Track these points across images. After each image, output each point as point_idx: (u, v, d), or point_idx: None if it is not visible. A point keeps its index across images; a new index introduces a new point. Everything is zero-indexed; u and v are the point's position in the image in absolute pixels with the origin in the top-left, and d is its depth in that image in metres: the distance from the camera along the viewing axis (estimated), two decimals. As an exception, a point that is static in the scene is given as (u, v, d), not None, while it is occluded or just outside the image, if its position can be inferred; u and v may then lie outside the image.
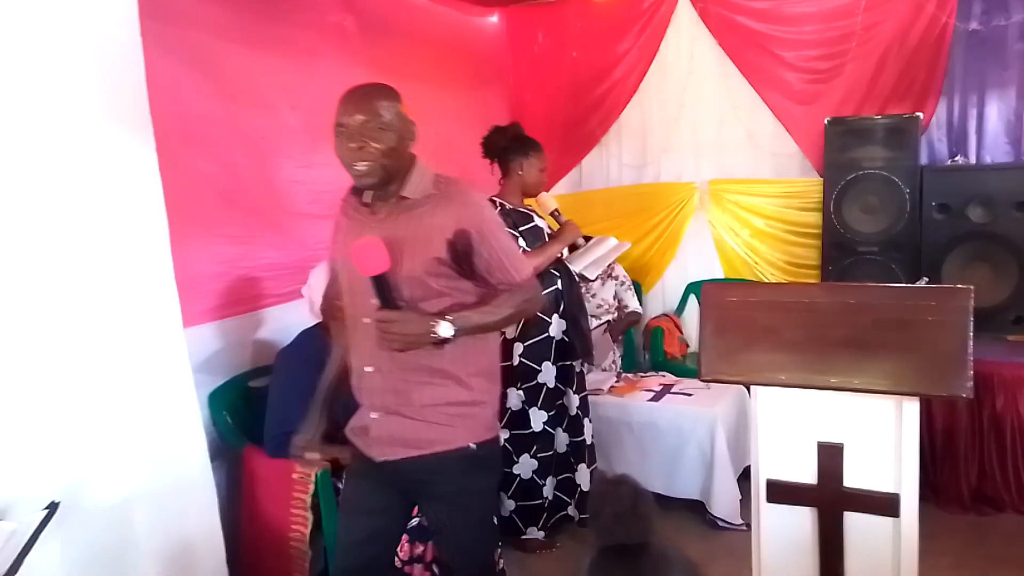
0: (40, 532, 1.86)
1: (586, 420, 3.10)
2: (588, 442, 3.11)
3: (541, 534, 3.07)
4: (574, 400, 3.06)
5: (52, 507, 1.91)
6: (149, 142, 2.04)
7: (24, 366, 1.90)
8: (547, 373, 2.97)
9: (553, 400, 3.01)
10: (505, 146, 3.00)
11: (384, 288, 1.69)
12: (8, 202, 1.82)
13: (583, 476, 3.09)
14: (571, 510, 3.14)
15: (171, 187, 2.12)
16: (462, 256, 1.78)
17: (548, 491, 3.06)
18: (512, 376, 2.92)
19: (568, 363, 3.03)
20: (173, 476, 2.08)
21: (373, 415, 1.84)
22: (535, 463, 3.00)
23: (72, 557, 2.02)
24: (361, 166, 1.72)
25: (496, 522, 2.20)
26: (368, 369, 1.83)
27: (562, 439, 3.07)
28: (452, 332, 1.71)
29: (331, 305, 1.98)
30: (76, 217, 1.89)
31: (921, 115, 3.50)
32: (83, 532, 1.99)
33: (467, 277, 1.82)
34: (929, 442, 3.15)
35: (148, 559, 2.03)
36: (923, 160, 3.62)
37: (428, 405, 1.81)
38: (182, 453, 2.14)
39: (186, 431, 2.15)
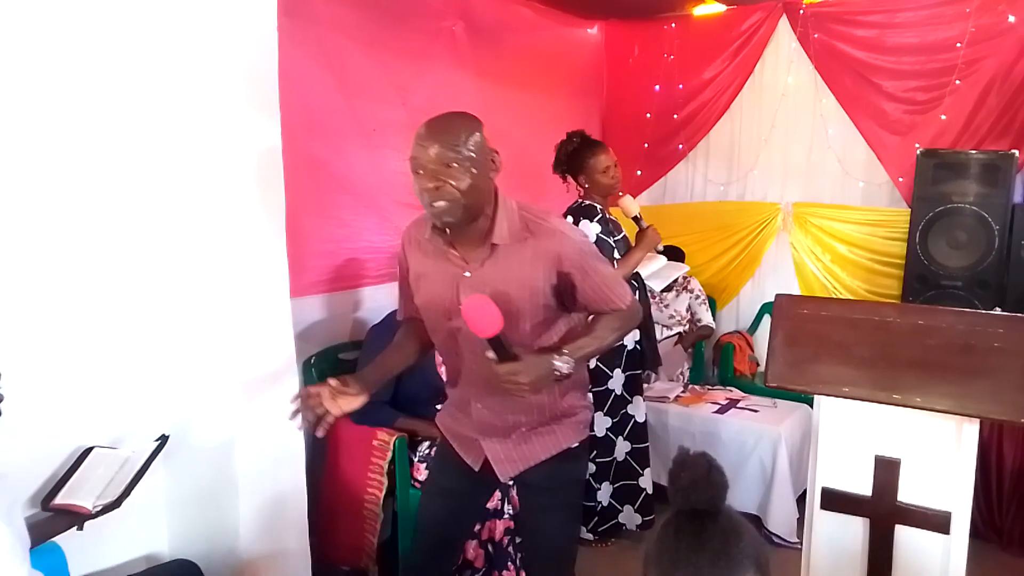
0: (152, 460, 2.02)
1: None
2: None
3: (591, 536, 3.11)
4: (641, 407, 3.09)
5: (163, 439, 2.09)
6: (276, 126, 2.14)
7: (152, 317, 2.10)
8: (616, 380, 3.01)
9: (618, 408, 3.04)
10: (573, 151, 2.97)
11: (500, 344, 1.61)
12: (160, 169, 2.05)
13: (647, 481, 3.12)
14: (624, 517, 3.15)
15: (291, 168, 2.19)
16: (566, 295, 1.76)
17: (603, 496, 3.10)
18: None
19: (636, 372, 3.07)
20: (269, 428, 2.19)
21: (485, 441, 1.87)
22: (592, 467, 3.04)
23: (175, 489, 2.21)
24: (439, 204, 1.60)
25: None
26: (478, 406, 1.84)
27: (623, 447, 3.09)
28: (571, 366, 1.69)
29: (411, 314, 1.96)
30: (208, 187, 2.05)
31: (1018, 153, 3.43)
32: (187, 467, 2.17)
33: (571, 310, 1.81)
34: (998, 483, 3.10)
35: (241, 500, 2.15)
36: (1016, 198, 3.54)
37: (535, 426, 1.85)
38: (279, 408, 2.18)
39: (283, 390, 2.22)
